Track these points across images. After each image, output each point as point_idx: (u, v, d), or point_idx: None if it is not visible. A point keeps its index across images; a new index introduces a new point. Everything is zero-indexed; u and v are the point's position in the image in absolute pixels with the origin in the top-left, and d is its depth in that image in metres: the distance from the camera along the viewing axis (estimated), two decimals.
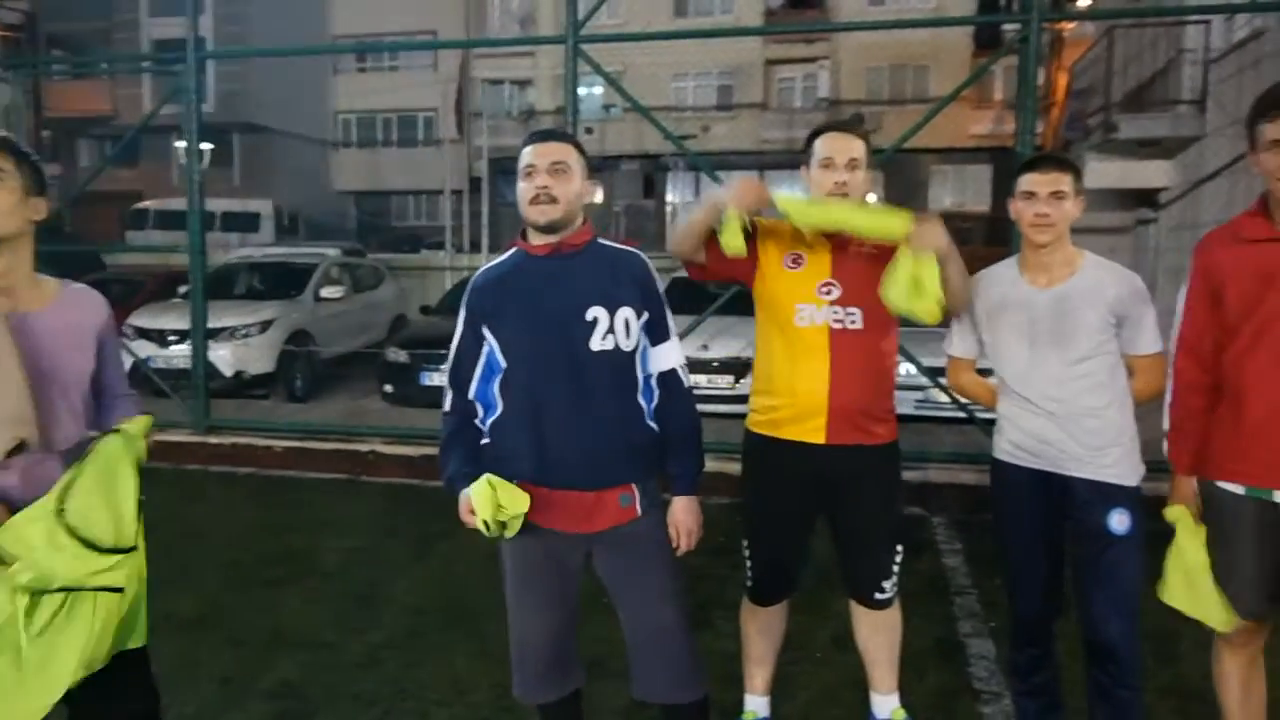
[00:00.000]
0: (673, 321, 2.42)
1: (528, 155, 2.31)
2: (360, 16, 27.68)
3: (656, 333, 2.37)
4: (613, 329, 2.27)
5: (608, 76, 6.04)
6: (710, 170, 6.46)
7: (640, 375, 2.34)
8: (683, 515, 2.39)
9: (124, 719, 2.18)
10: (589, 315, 2.26)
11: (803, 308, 2.62)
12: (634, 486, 2.31)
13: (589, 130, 20.90)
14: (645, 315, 2.34)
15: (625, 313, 2.29)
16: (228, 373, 9.08)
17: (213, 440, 6.60)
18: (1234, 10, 9.84)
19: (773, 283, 2.69)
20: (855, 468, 2.66)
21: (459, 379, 2.38)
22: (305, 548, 4.78)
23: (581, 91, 6.04)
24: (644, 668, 2.38)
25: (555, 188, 2.27)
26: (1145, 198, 11.79)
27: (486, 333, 2.32)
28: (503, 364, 2.30)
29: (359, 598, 4.13)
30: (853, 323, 2.60)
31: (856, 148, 2.60)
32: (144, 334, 9.25)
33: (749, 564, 2.84)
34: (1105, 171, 10.84)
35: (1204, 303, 2.41)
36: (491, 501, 2.15)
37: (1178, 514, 2.48)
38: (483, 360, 2.34)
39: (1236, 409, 2.36)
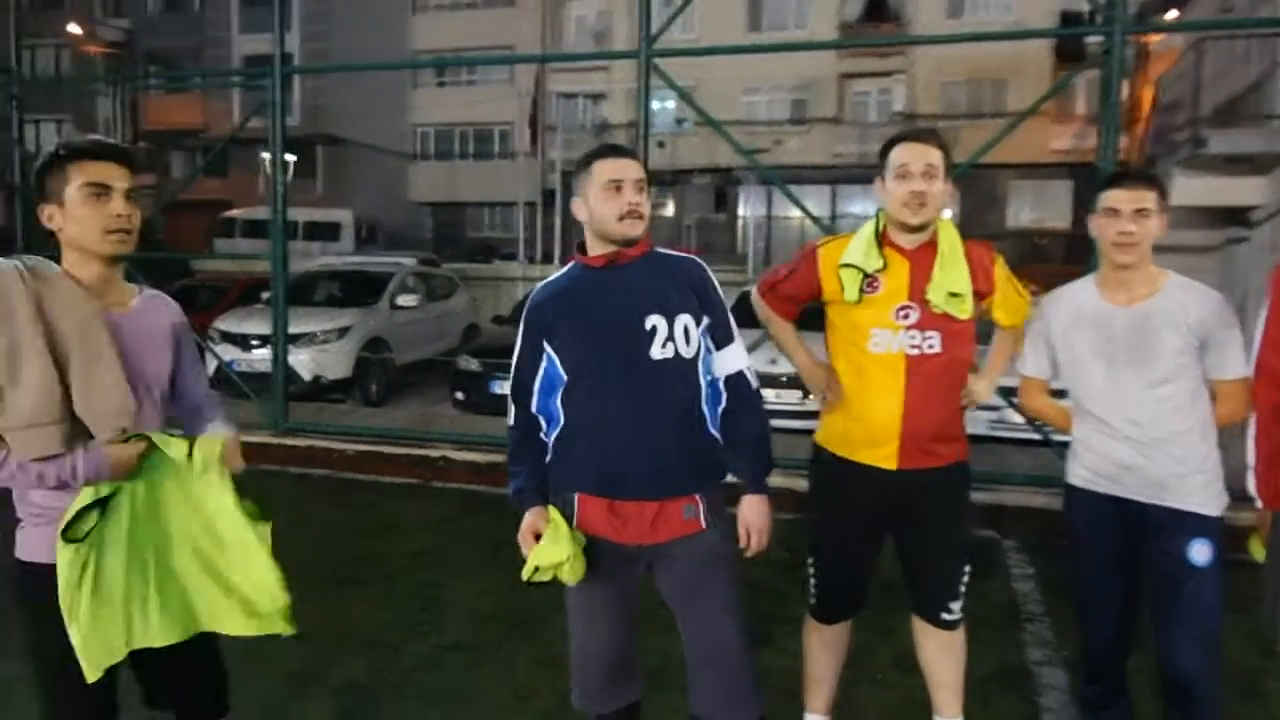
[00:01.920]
0: (735, 325, 2.41)
1: (613, 170, 2.30)
2: (439, 32, 28.34)
3: (720, 336, 2.37)
4: (672, 336, 2.27)
5: (680, 90, 6.07)
6: (782, 185, 6.45)
7: (703, 382, 2.33)
8: (753, 515, 2.37)
9: (196, 690, 2.27)
10: (648, 324, 2.26)
11: (877, 333, 2.56)
12: (698, 498, 2.30)
13: (660, 144, 21.02)
14: (705, 320, 2.34)
15: (684, 319, 2.29)
16: (306, 377, 9.35)
17: (290, 442, 6.77)
18: None
19: (846, 306, 2.62)
20: (925, 488, 2.62)
21: (520, 393, 2.41)
22: (374, 550, 4.88)
23: (654, 105, 6.06)
24: (703, 684, 2.36)
25: (642, 205, 2.31)
26: (1235, 216, 11.37)
27: (546, 347, 2.34)
28: (564, 377, 2.32)
29: (424, 600, 4.21)
30: (930, 347, 2.54)
31: (934, 155, 2.51)
32: (228, 338, 9.58)
33: (814, 582, 2.80)
34: (1192, 188, 10.48)
35: None
36: (553, 564, 2.17)
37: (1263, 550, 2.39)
38: (542, 373, 2.36)
39: None
